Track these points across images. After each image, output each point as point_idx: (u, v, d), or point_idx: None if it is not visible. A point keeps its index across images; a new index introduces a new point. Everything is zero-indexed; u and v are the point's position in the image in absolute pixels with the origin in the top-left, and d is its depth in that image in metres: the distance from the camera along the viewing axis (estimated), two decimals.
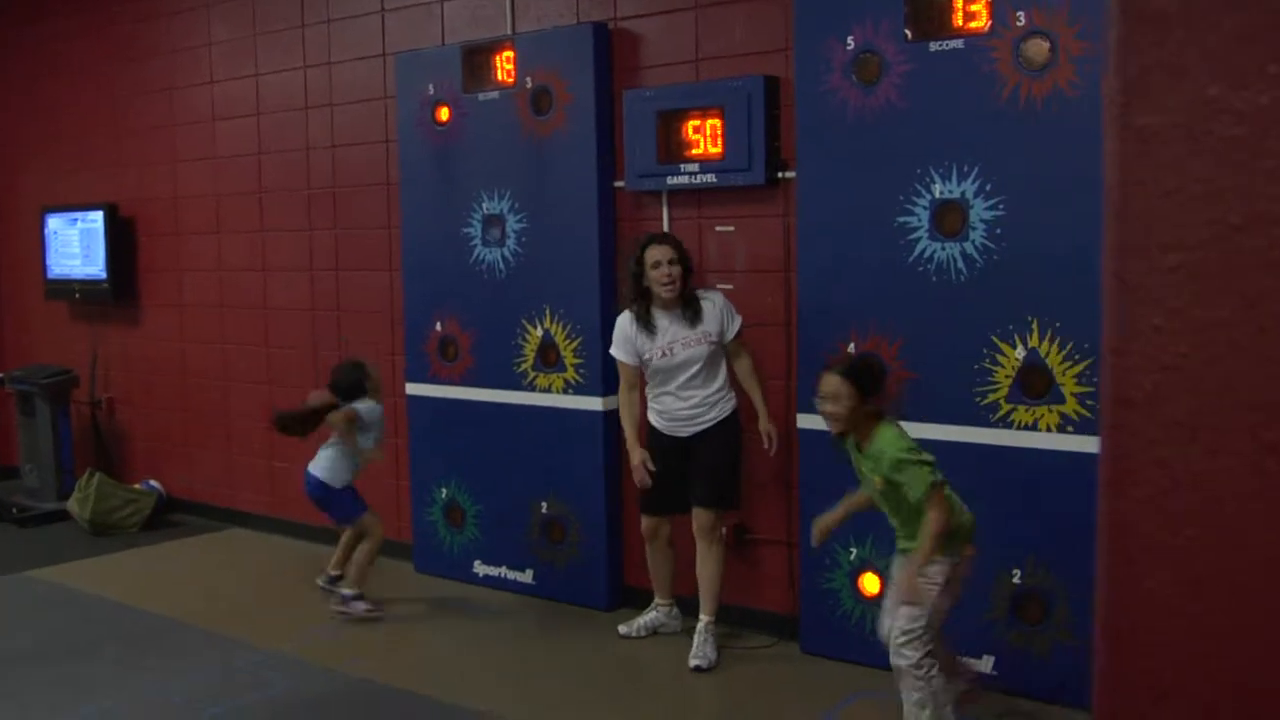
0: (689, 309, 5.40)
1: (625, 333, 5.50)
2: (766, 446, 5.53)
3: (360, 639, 5.93)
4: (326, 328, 7.55)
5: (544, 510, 6.40)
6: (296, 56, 7.53)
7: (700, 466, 5.49)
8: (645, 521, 5.68)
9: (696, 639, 5.48)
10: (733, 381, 5.55)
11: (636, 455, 5.55)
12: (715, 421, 5.47)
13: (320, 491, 6.26)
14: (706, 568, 5.52)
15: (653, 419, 5.59)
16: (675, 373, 5.44)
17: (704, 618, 5.52)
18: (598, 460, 6.14)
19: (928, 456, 4.34)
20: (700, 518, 5.49)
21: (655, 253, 5.37)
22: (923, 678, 4.35)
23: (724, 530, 5.66)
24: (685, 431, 5.49)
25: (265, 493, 8.11)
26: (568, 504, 6.32)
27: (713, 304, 5.44)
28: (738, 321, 5.48)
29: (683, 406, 5.47)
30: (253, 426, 8.10)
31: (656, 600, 5.83)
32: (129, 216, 8.71)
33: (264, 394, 8.00)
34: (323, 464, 6.24)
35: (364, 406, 6.20)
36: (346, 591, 6.21)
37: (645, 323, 5.43)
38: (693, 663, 5.40)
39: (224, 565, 7.45)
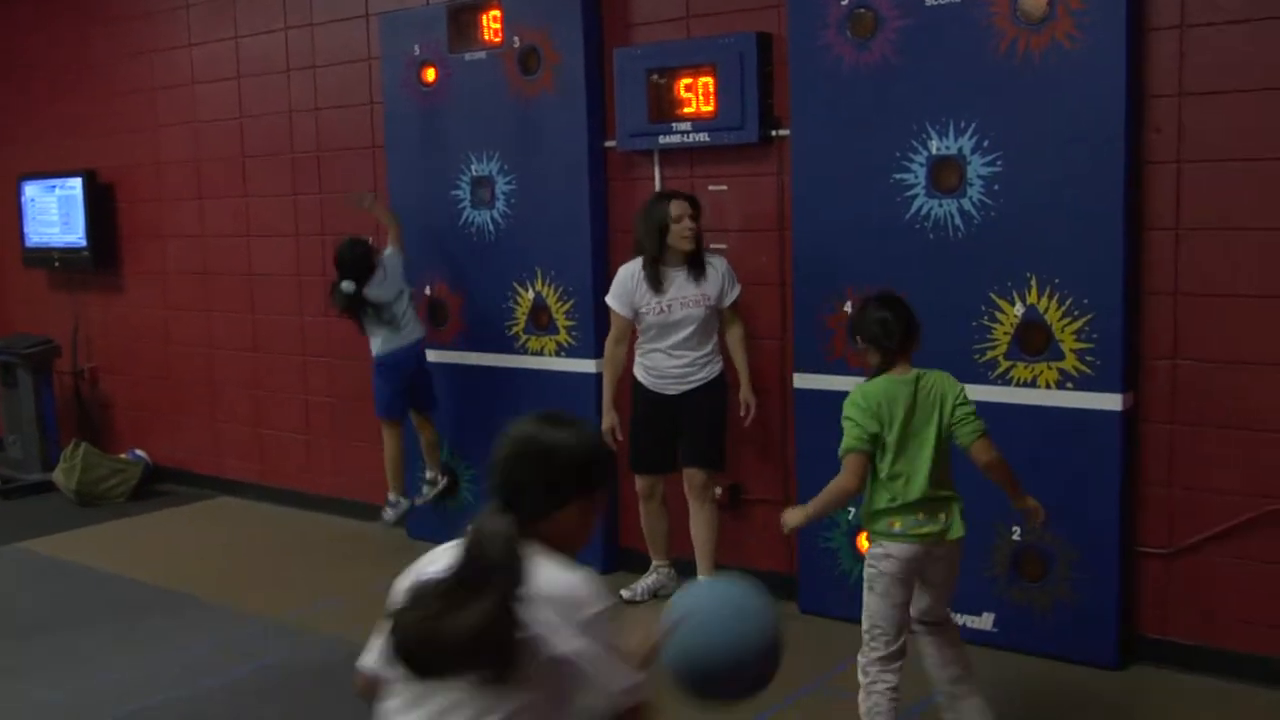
0: (695, 268, 5.36)
1: (625, 284, 5.44)
2: (743, 414, 5.52)
3: (355, 606, 5.90)
4: (312, 294, 7.46)
5: None
6: (278, 18, 7.41)
7: (691, 426, 5.48)
8: (640, 481, 5.66)
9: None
10: (721, 346, 5.53)
11: (608, 419, 5.56)
12: (704, 382, 5.46)
13: (416, 361, 6.51)
14: (701, 528, 5.51)
15: (639, 374, 5.56)
16: (669, 331, 5.40)
17: (702, 579, 5.50)
18: (592, 422, 6.09)
19: (864, 421, 3.93)
20: (692, 477, 5.48)
21: (678, 207, 5.31)
22: (864, 687, 4.03)
23: (717, 490, 5.65)
24: (673, 389, 5.47)
25: (253, 460, 8.05)
26: None
27: (715, 268, 5.41)
28: (737, 289, 5.46)
29: (673, 365, 5.44)
30: (239, 393, 8.04)
31: (655, 563, 5.82)
32: (109, 183, 8.59)
33: (249, 361, 7.93)
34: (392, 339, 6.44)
35: (387, 252, 6.46)
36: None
37: (652, 276, 5.37)
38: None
39: (214, 534, 7.40)
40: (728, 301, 5.44)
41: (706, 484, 5.49)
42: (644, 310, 5.41)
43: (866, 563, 4.06)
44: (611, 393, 5.59)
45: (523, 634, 2.22)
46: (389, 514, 6.68)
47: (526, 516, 2.35)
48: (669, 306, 5.37)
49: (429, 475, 6.67)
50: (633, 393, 5.59)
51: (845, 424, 3.98)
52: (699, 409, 5.46)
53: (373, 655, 2.48)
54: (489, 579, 2.24)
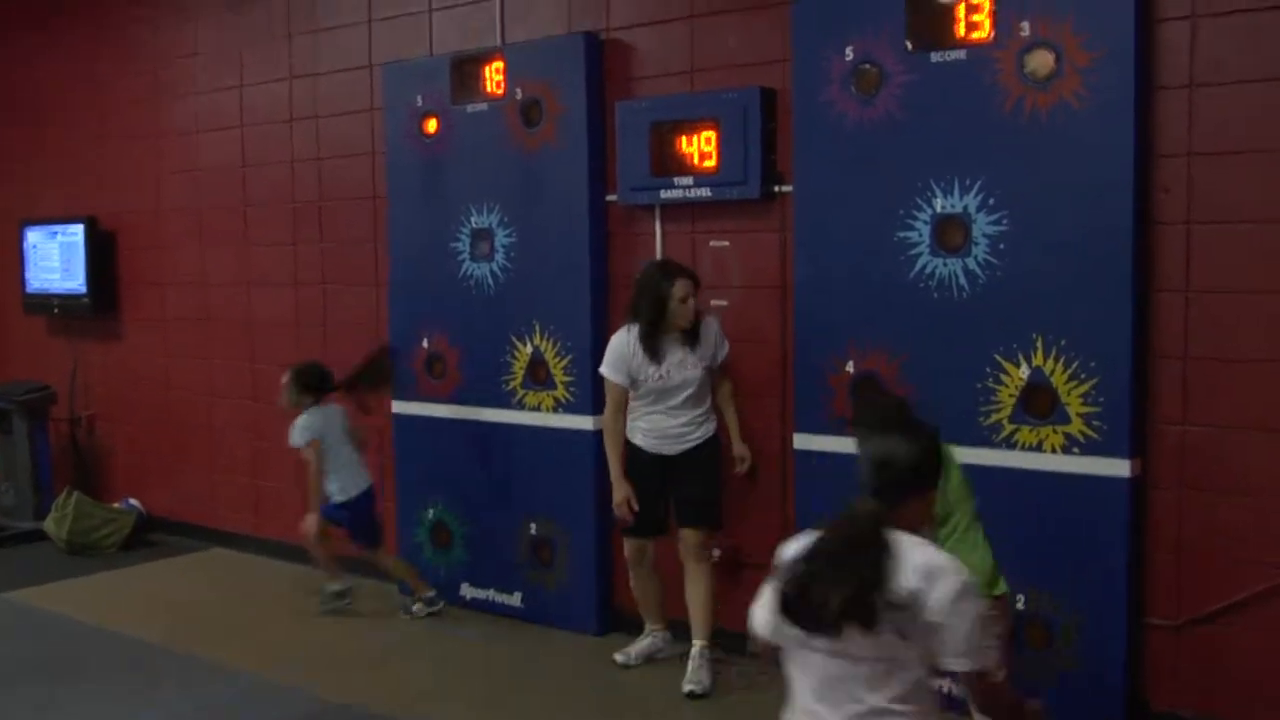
0: (690, 335, 5.30)
1: (622, 353, 5.33)
2: (739, 470, 5.46)
3: (345, 664, 5.77)
4: (311, 343, 7.39)
5: (533, 531, 6.24)
6: (282, 67, 7.39)
7: (686, 486, 5.38)
8: (629, 545, 5.53)
9: (691, 664, 5.34)
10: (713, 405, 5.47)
11: (621, 491, 5.40)
12: (700, 440, 5.38)
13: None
14: (697, 590, 5.38)
15: (635, 437, 5.45)
16: (670, 394, 5.32)
17: (697, 642, 5.37)
18: (588, 480, 5.98)
19: None
20: (689, 538, 5.36)
21: (683, 288, 5.23)
22: None
23: (715, 552, 5.53)
24: (671, 449, 5.37)
25: (249, 512, 7.93)
26: (557, 525, 6.16)
27: (709, 329, 5.35)
28: (725, 347, 5.42)
29: (673, 425, 5.35)
30: (237, 443, 7.94)
31: (649, 626, 5.68)
32: (110, 229, 8.54)
33: (248, 410, 7.84)
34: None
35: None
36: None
37: (650, 347, 5.27)
38: (687, 688, 5.25)
39: (205, 587, 7.27)
40: (719, 360, 5.39)
41: (703, 545, 5.37)
42: (643, 378, 5.32)
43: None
44: (620, 466, 5.42)
45: (891, 595, 2.68)
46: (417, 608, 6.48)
47: (887, 505, 2.87)
48: (668, 373, 5.30)
49: (427, 595, 6.41)
50: (629, 456, 5.47)
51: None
52: (695, 468, 5.37)
53: (763, 617, 2.95)
54: (862, 547, 2.76)
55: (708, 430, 5.40)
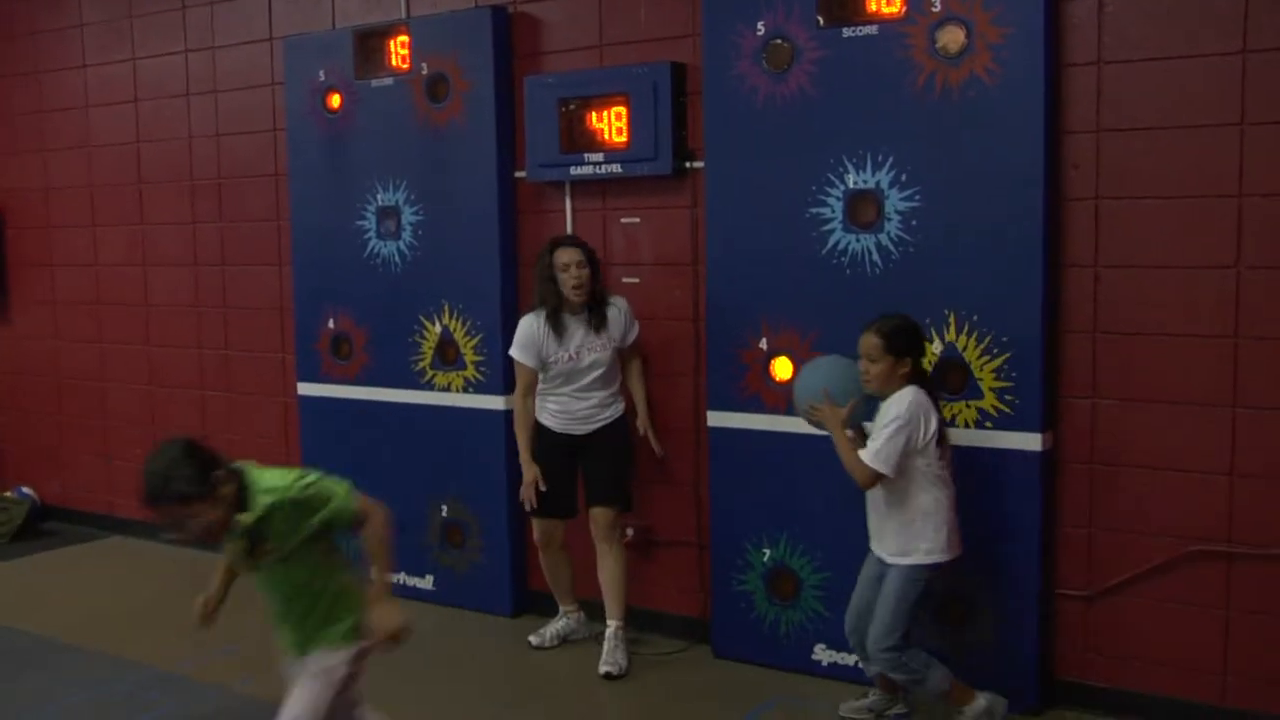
0: (595, 314, 5.24)
1: (531, 335, 5.26)
2: (643, 433, 5.45)
3: (250, 655, 5.63)
4: (212, 325, 7.20)
5: (444, 514, 6.15)
6: (177, 40, 7.16)
7: (596, 465, 5.35)
8: (538, 526, 5.48)
9: (606, 645, 5.30)
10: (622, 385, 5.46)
11: (530, 472, 5.37)
12: (608, 421, 5.35)
13: None
14: (609, 570, 5.35)
15: (544, 418, 5.40)
16: (579, 375, 5.28)
17: (612, 623, 5.34)
18: (500, 461, 5.91)
19: None
20: (600, 517, 5.32)
21: (564, 255, 5.18)
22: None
23: (625, 531, 5.51)
24: (580, 429, 5.33)
25: None
26: (469, 507, 6.08)
27: (617, 310, 5.31)
28: (636, 328, 5.38)
29: (582, 406, 5.31)
30: (133, 429, 7.72)
31: (563, 608, 5.63)
32: None
33: (144, 395, 7.63)
34: None
35: None
36: None
37: (556, 326, 5.23)
38: (603, 669, 5.22)
39: (103, 577, 7.06)
40: (629, 341, 5.36)
41: (613, 524, 5.33)
42: (553, 359, 5.26)
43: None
44: (529, 448, 5.39)
45: None
46: None
47: None
48: (577, 354, 5.24)
49: None
50: (538, 438, 5.41)
51: None
52: (604, 448, 5.34)
53: None
54: None
55: (616, 410, 5.37)
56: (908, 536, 4.37)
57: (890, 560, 4.41)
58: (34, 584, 6.96)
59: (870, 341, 4.35)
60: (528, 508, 5.42)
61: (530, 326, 5.27)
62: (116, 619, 6.21)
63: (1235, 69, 4.28)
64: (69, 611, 6.34)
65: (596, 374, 5.27)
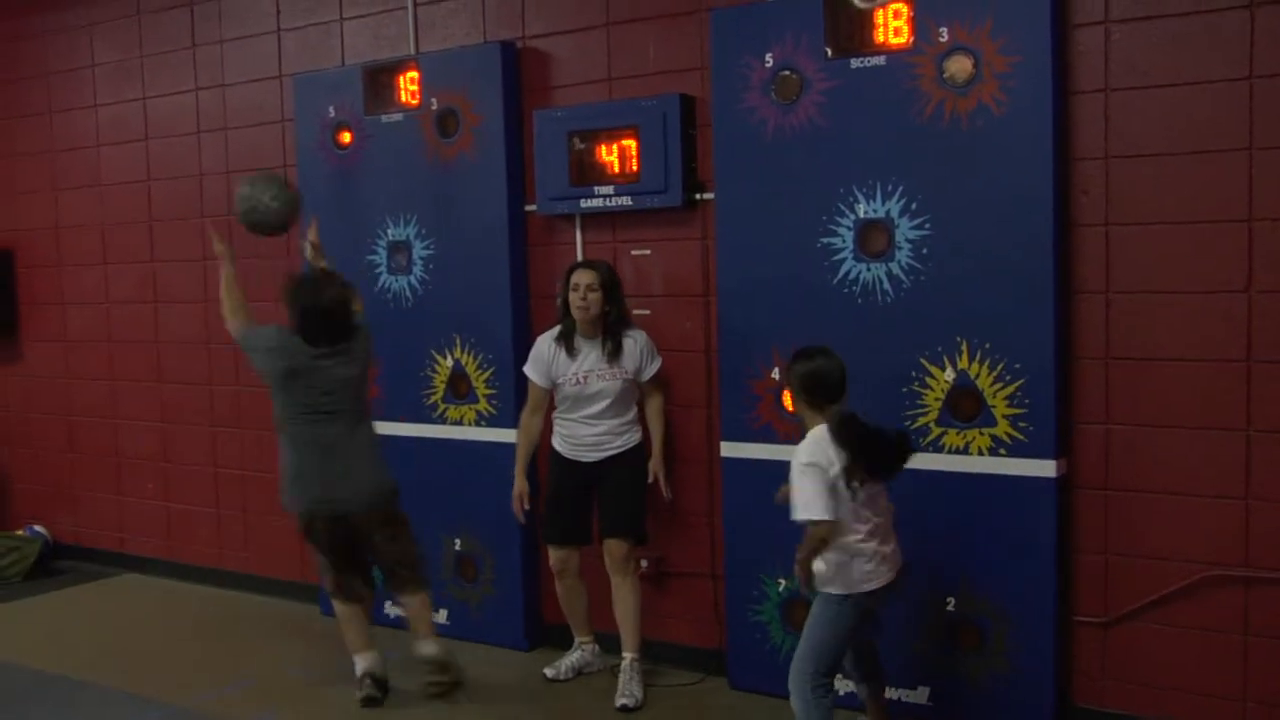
0: (610, 342, 5.25)
1: (540, 353, 5.35)
2: (652, 481, 5.39)
3: (268, 692, 5.62)
4: (223, 362, 7.22)
5: (457, 547, 6.15)
6: (187, 78, 7.22)
7: (609, 495, 5.34)
8: (553, 555, 5.47)
9: (622, 677, 5.29)
10: (640, 417, 5.42)
11: (518, 485, 5.47)
12: (621, 450, 5.34)
13: None
14: (624, 602, 5.34)
15: (556, 443, 5.43)
16: (586, 402, 5.28)
17: (627, 655, 5.33)
18: (512, 494, 5.90)
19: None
20: (613, 549, 5.31)
21: (578, 276, 5.24)
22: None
23: (640, 562, 5.50)
24: (590, 456, 5.33)
25: (160, 535, 7.73)
26: (482, 540, 6.08)
27: (634, 342, 5.30)
28: (657, 363, 5.35)
29: (589, 433, 5.32)
30: (145, 466, 7.73)
31: (578, 639, 5.62)
32: (7, 248, 8.27)
33: (156, 431, 7.64)
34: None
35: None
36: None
37: (567, 345, 5.27)
38: (619, 702, 5.20)
39: (116, 614, 7.06)
40: (646, 376, 5.32)
41: (628, 556, 5.32)
42: (561, 381, 5.29)
43: None
44: (523, 460, 5.48)
45: None
46: None
47: None
48: (585, 378, 5.26)
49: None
50: (550, 463, 5.43)
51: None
52: (618, 478, 5.32)
53: None
54: None
55: (631, 440, 5.36)
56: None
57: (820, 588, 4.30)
58: (47, 622, 6.95)
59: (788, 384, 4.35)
60: (520, 519, 5.50)
61: (542, 345, 5.36)
62: (130, 656, 6.20)
63: (1243, 94, 4.30)
64: (82, 649, 6.33)
65: (605, 403, 5.27)
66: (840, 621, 4.24)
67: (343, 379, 5.19)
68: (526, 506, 5.48)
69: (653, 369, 5.33)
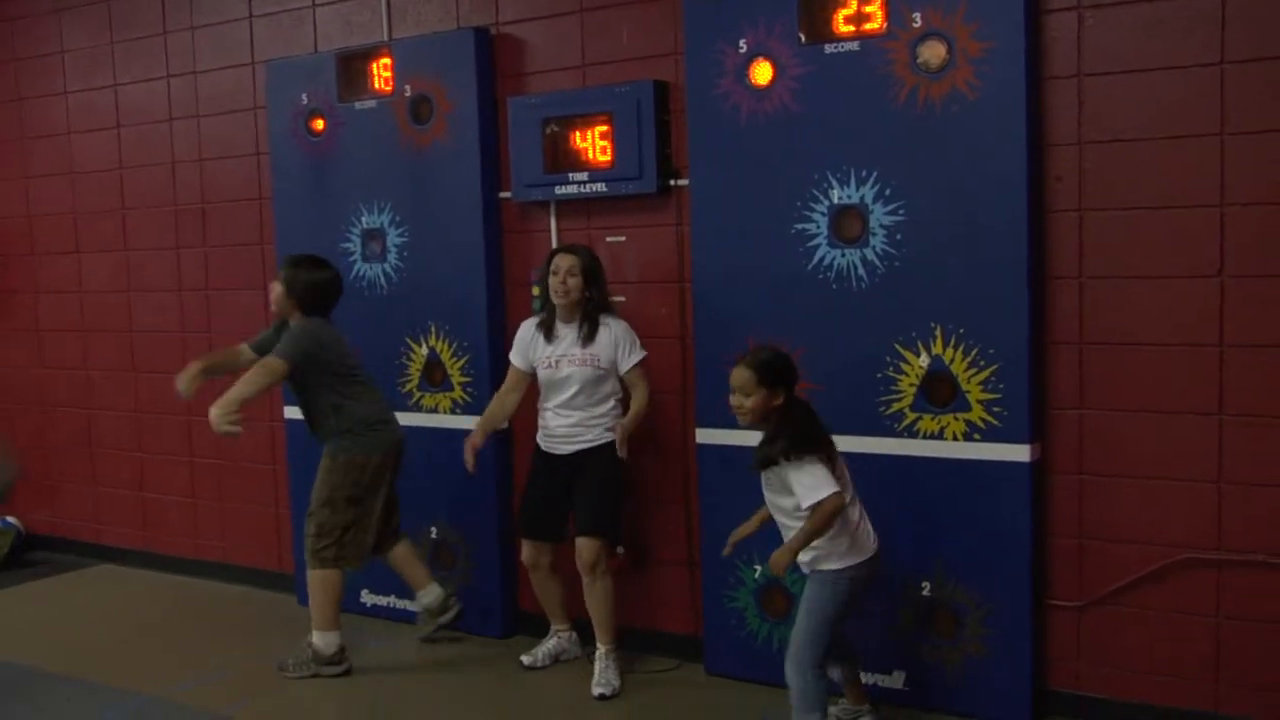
0: (585, 327, 5.23)
1: (523, 336, 5.39)
2: (609, 429, 5.27)
3: (243, 681, 5.61)
4: (197, 350, 7.17)
5: (434, 535, 6.14)
6: (159, 65, 7.16)
7: (581, 493, 5.28)
8: (525, 549, 5.46)
9: (597, 666, 5.28)
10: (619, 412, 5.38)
11: (474, 436, 5.41)
12: (595, 444, 5.28)
13: None
14: (595, 601, 5.30)
15: (537, 436, 5.43)
16: (557, 388, 5.28)
17: (602, 646, 5.32)
18: (489, 482, 5.90)
19: None
20: (582, 549, 5.25)
21: (559, 260, 5.23)
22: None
23: (616, 550, 5.48)
24: (562, 449, 5.32)
25: (135, 526, 7.69)
26: (458, 529, 6.07)
27: (609, 330, 5.26)
28: (637, 355, 5.27)
29: (561, 424, 5.31)
30: (120, 456, 7.69)
31: (555, 627, 5.62)
32: None
33: (131, 421, 7.60)
34: None
35: None
36: None
37: (547, 329, 5.29)
38: (596, 690, 5.20)
39: (92, 605, 7.02)
40: (625, 367, 5.25)
41: (597, 557, 5.23)
42: (537, 364, 5.30)
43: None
44: (486, 420, 5.46)
45: None
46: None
47: None
48: (556, 363, 5.25)
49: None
50: (533, 456, 5.44)
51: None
52: (590, 474, 5.27)
53: None
54: None
55: (596, 439, 5.28)
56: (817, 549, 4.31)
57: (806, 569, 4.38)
58: (21, 614, 6.91)
59: (742, 375, 4.32)
60: (469, 469, 5.41)
61: (524, 328, 5.39)
62: (106, 647, 6.18)
63: (1214, 80, 4.31)
64: (57, 641, 6.29)
65: (574, 390, 5.24)
66: (839, 597, 4.31)
67: None
68: (471, 461, 5.38)
69: (632, 359, 5.26)
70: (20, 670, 5.86)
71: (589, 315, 5.25)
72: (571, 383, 5.24)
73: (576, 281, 5.19)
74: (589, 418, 5.28)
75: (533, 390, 5.44)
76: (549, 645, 5.60)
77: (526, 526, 5.43)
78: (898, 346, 4.82)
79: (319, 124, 6.30)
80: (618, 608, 5.37)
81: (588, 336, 5.23)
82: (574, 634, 5.64)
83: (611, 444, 5.26)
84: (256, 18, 6.71)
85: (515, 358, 5.40)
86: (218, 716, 5.18)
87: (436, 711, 5.19)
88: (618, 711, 5.13)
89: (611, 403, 5.31)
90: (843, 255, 4.91)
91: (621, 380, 5.30)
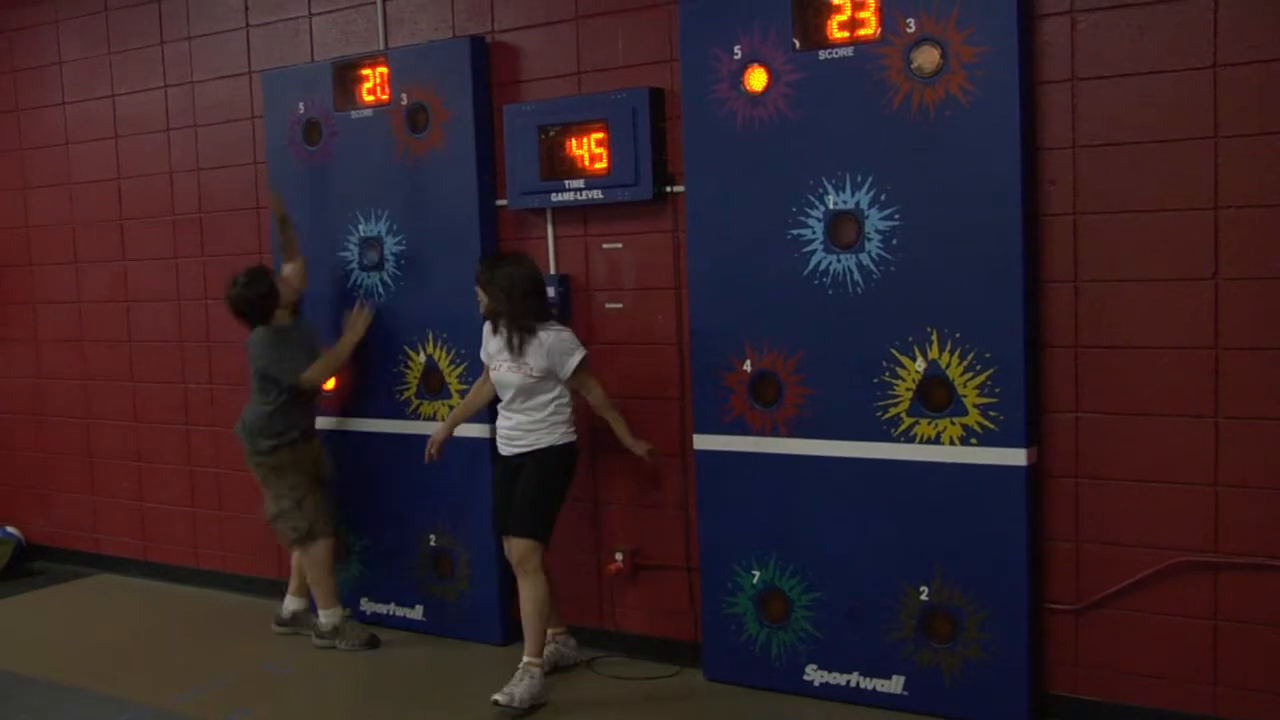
0: (515, 338, 5.19)
1: (486, 330, 5.41)
2: (643, 454, 5.36)
3: (242, 691, 5.61)
4: (196, 360, 7.19)
5: (432, 543, 6.14)
6: (156, 75, 7.18)
7: (517, 493, 5.27)
8: (505, 546, 5.44)
9: (515, 675, 5.19)
10: (594, 413, 5.40)
11: (439, 432, 5.64)
12: (531, 449, 5.25)
13: None
14: (524, 602, 5.24)
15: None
16: (500, 388, 5.33)
17: (525, 657, 5.21)
18: (486, 489, 5.88)
19: None
20: (512, 547, 5.26)
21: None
22: None
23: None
24: (505, 450, 5.34)
25: (135, 535, 7.69)
26: (457, 536, 6.07)
27: (540, 342, 5.17)
28: (574, 359, 5.19)
29: (504, 425, 5.34)
30: (119, 465, 7.70)
31: (550, 632, 5.60)
32: None
33: (129, 431, 7.60)
34: None
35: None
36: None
37: (494, 328, 5.33)
38: (494, 696, 5.10)
39: (91, 615, 7.03)
40: (566, 374, 5.22)
41: (525, 555, 5.19)
42: (487, 356, 5.39)
43: None
44: (455, 414, 5.68)
45: None
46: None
47: None
48: (499, 365, 5.28)
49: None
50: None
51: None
52: (525, 477, 5.25)
53: None
54: None
55: (539, 440, 5.22)
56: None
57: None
58: (21, 624, 6.92)
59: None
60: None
61: (489, 323, 5.40)
62: (105, 656, 6.18)
63: (1207, 83, 4.32)
64: (57, 650, 6.30)
65: (509, 394, 5.26)
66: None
67: None
68: (434, 452, 5.60)
69: (569, 367, 5.20)
70: (20, 680, 5.86)
71: (515, 326, 5.19)
72: (507, 386, 5.26)
73: (482, 295, 5.24)
74: (527, 421, 5.25)
75: None
76: (547, 650, 5.58)
77: (494, 525, 5.44)
78: (894, 351, 4.83)
79: (316, 133, 6.31)
80: (546, 615, 5.26)
81: (519, 347, 5.20)
82: (572, 639, 5.64)
83: (549, 450, 5.24)
84: (253, 28, 6.73)
85: (481, 351, 5.46)
86: None
87: (439, 717, 5.18)
88: (618, 716, 5.13)
89: (551, 408, 5.24)
90: (838, 260, 4.92)
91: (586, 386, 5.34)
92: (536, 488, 5.25)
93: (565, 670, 5.59)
